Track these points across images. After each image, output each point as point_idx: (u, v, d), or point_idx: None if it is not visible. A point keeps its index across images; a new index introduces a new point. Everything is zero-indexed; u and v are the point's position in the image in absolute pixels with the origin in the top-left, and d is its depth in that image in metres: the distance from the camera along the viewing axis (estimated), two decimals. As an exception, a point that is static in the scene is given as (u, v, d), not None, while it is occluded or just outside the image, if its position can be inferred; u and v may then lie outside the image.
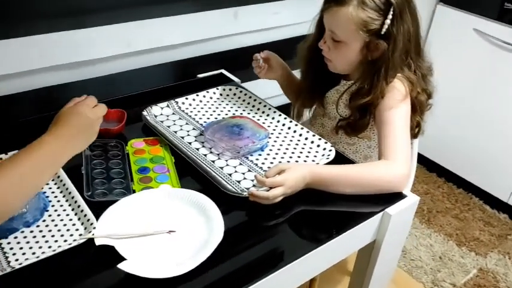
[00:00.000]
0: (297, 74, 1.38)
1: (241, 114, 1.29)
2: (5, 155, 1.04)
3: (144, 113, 1.23)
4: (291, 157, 1.15)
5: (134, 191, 1.00)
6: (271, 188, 0.97)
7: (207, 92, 1.37)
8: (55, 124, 0.85)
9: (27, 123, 1.17)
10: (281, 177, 0.98)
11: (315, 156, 1.16)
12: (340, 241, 0.96)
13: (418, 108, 1.18)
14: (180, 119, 1.27)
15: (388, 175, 1.05)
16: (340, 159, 1.15)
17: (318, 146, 1.19)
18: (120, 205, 0.94)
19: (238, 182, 1.05)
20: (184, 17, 1.38)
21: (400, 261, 1.92)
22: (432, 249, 1.97)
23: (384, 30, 1.09)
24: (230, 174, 1.07)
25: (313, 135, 1.21)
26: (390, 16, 1.08)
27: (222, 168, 1.09)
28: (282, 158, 1.15)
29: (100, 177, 1.03)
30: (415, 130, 1.23)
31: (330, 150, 1.17)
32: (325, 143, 1.19)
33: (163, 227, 0.92)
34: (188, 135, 1.20)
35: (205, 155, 1.13)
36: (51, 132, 0.83)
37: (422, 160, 2.48)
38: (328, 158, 1.14)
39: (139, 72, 1.36)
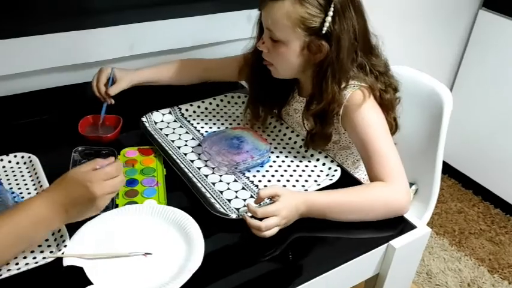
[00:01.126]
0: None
1: (245, 124, 1.21)
2: (6, 155, 1.02)
3: (143, 119, 1.18)
4: (291, 175, 1.06)
5: (117, 206, 0.95)
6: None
7: (214, 99, 1.30)
8: (55, 186, 0.80)
9: (20, 126, 1.14)
10: (274, 206, 0.89)
11: (318, 175, 1.07)
12: (336, 274, 0.86)
13: (388, 107, 1.09)
14: (181, 127, 1.20)
15: (389, 198, 0.96)
16: (346, 178, 1.05)
17: (324, 164, 1.09)
18: (97, 221, 0.88)
19: (229, 201, 0.97)
20: (193, 19, 1.31)
21: (424, 285, 1.78)
22: (461, 275, 1.81)
23: (324, 29, 0.98)
24: (221, 192, 1.00)
25: (320, 152, 1.12)
26: (331, 13, 0.97)
27: (214, 184, 1.02)
28: (282, 176, 1.06)
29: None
30: (393, 126, 1.12)
31: (335, 171, 1.07)
32: (331, 161, 1.10)
33: (140, 248, 0.85)
34: (185, 145, 1.14)
35: (198, 168, 1.06)
36: (46, 194, 0.79)
37: (457, 176, 2.31)
38: (331, 180, 1.04)
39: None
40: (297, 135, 1.16)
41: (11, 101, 1.18)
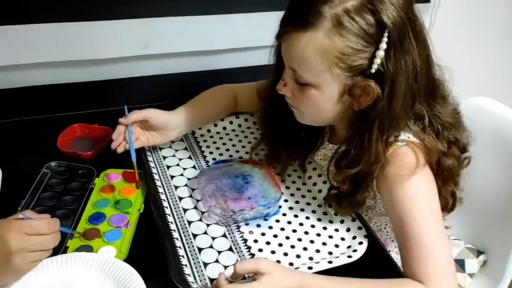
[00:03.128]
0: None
1: (261, 160, 0.95)
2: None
3: (143, 134, 0.98)
4: (299, 239, 0.80)
5: (66, 249, 0.76)
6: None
7: (237, 117, 1.06)
8: None
9: (15, 124, 1.00)
10: (249, 286, 0.64)
11: (336, 246, 0.79)
12: None
13: (447, 176, 0.78)
14: (185, 149, 0.99)
15: None
16: (376, 254, 0.77)
17: (348, 230, 0.81)
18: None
19: (205, 265, 0.74)
20: (226, 17, 1.08)
21: None
22: None
23: (375, 66, 0.68)
24: (200, 250, 0.77)
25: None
26: (383, 46, 0.67)
27: (194, 236, 0.79)
28: (287, 238, 0.80)
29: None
30: (450, 203, 0.81)
31: (360, 244, 0.78)
32: (359, 228, 0.81)
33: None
34: (181, 175, 0.92)
35: (184, 211, 0.84)
36: None
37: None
38: (350, 258, 0.76)
39: (154, 81, 1.11)
40: (324, 182, 0.89)
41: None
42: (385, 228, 0.91)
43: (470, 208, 0.87)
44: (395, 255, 0.88)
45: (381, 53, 0.68)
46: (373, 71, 0.69)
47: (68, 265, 0.72)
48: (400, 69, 0.68)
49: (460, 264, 1.09)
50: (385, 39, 0.67)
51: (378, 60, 0.68)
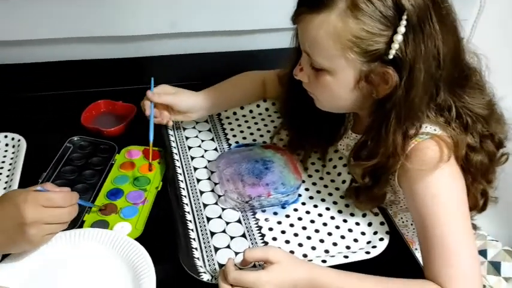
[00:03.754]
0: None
1: (284, 145, 0.91)
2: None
3: (167, 113, 0.96)
4: (317, 230, 0.76)
5: (82, 223, 0.76)
6: (233, 285, 0.62)
7: (264, 101, 1.02)
8: None
9: (21, 100, 1.00)
10: (254, 276, 0.62)
11: (355, 240, 0.75)
12: None
13: (475, 174, 0.72)
14: (209, 130, 0.96)
15: None
16: (398, 250, 0.72)
17: (370, 224, 0.77)
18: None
19: (216, 250, 0.72)
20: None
21: None
22: None
23: (392, 52, 0.62)
24: (212, 234, 0.75)
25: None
26: (402, 29, 0.61)
27: (208, 220, 0.77)
28: (304, 228, 0.77)
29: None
30: (480, 202, 0.75)
31: (381, 240, 0.74)
32: (381, 224, 0.76)
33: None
34: (202, 157, 0.90)
35: (201, 193, 0.82)
36: None
37: None
38: (368, 254, 0.71)
39: (181, 60, 1.09)
40: (349, 173, 0.84)
41: (17, 70, 1.04)
42: (411, 224, 0.86)
43: (509, 208, 0.80)
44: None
45: (398, 37, 0.62)
46: (390, 56, 0.63)
47: (81, 240, 0.72)
48: (420, 55, 0.62)
49: (495, 267, 1.02)
50: (404, 22, 0.61)
51: (395, 45, 0.62)
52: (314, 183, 0.85)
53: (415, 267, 0.72)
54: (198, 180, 0.84)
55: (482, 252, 1.08)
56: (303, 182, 0.84)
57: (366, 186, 0.73)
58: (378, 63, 0.65)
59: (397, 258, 0.73)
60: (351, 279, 0.64)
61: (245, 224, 0.77)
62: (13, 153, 0.87)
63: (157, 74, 0.91)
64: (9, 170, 0.84)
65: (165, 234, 0.74)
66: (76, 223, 0.75)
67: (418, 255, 0.83)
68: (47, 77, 1.02)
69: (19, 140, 0.88)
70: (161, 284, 0.66)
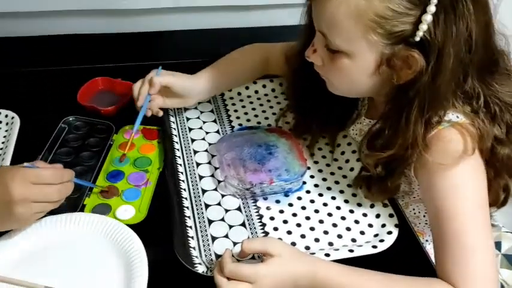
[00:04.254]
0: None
1: (290, 129, 0.86)
2: None
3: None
4: (321, 221, 0.72)
5: (83, 207, 0.73)
6: (229, 278, 0.59)
7: (271, 81, 0.97)
8: None
9: (18, 75, 0.95)
10: (252, 269, 0.58)
11: (362, 232, 0.70)
12: None
13: (499, 168, 0.67)
14: (211, 111, 0.92)
15: None
16: (407, 244, 0.68)
17: (378, 216, 0.72)
18: (30, 231, 0.67)
19: (213, 239, 0.68)
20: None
21: None
22: None
23: (419, 34, 0.57)
24: (210, 222, 0.71)
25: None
26: (432, 8, 0.55)
27: (206, 207, 0.73)
28: (307, 218, 0.72)
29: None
30: (500, 198, 0.70)
31: (389, 233, 0.69)
32: (391, 216, 0.72)
33: (53, 279, 0.61)
34: (203, 139, 0.85)
35: (200, 178, 0.78)
36: None
37: None
38: (375, 248, 0.67)
39: (186, 36, 1.03)
40: (358, 160, 0.79)
41: (10, 44, 1.00)
42: (424, 216, 0.81)
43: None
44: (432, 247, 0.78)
45: (428, 18, 0.56)
46: (417, 39, 0.57)
47: (71, 226, 0.68)
48: (450, 38, 0.56)
49: (510, 260, 0.97)
50: (435, 0, 0.55)
51: (423, 26, 0.56)
52: (320, 170, 0.80)
53: (425, 264, 0.67)
54: (198, 164, 0.80)
55: (497, 245, 1.03)
56: (308, 168, 0.79)
57: (378, 177, 0.68)
58: (401, 46, 0.59)
59: (406, 254, 0.68)
60: (355, 276, 0.60)
61: (245, 212, 0.73)
62: (6, 130, 0.84)
63: (159, 51, 0.87)
64: (1, 149, 0.80)
65: (163, 223, 0.70)
66: (77, 207, 0.71)
67: (429, 246, 0.79)
68: (43, 51, 0.98)
69: (13, 118, 0.84)
70: (155, 274, 0.62)
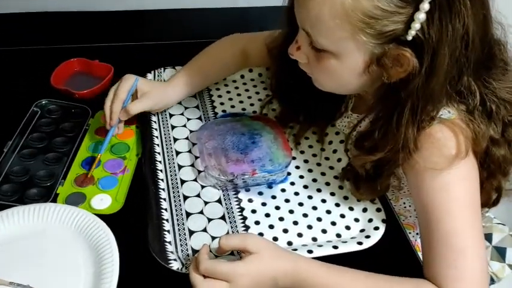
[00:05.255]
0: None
1: (276, 116, 0.82)
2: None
3: (149, 75, 0.87)
4: (305, 215, 0.68)
5: (56, 196, 0.69)
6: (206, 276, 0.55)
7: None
8: None
9: (5, 54, 0.90)
10: (229, 267, 0.54)
11: (347, 227, 0.67)
12: None
13: (494, 169, 0.64)
14: (193, 96, 0.87)
15: None
16: (395, 241, 0.65)
17: (365, 210, 0.69)
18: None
19: (191, 233, 0.65)
20: None
21: None
22: None
23: (412, 33, 0.53)
24: (188, 215, 0.67)
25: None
26: (426, 6, 0.51)
27: (185, 198, 0.69)
28: (290, 212, 0.69)
29: (27, 162, 0.73)
30: (492, 198, 0.68)
31: (376, 229, 0.66)
32: (378, 210, 0.68)
33: (31, 277, 0.58)
34: (184, 126, 0.81)
35: (179, 167, 0.74)
36: None
37: None
38: (360, 245, 0.64)
39: (169, 16, 0.97)
40: (346, 151, 0.76)
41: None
42: (411, 210, 0.78)
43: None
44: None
45: (421, 16, 0.51)
46: (409, 38, 0.53)
47: (39, 217, 0.64)
48: (445, 37, 0.52)
49: (500, 252, 0.95)
50: None
51: (416, 25, 0.52)
52: (306, 161, 0.76)
53: (413, 262, 0.64)
54: (178, 153, 0.76)
55: (487, 237, 1.01)
56: (294, 158, 0.76)
57: (367, 177, 0.65)
58: (392, 45, 0.54)
59: (393, 250, 0.65)
60: (338, 275, 0.57)
61: (225, 204, 0.69)
62: (-26, 116, 0.79)
63: (140, 31, 0.81)
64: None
65: (139, 212, 0.66)
66: (49, 197, 0.68)
67: (419, 240, 0.76)
68: (14, 29, 0.92)
69: (-18, 101, 0.80)
70: (128, 271, 0.59)
